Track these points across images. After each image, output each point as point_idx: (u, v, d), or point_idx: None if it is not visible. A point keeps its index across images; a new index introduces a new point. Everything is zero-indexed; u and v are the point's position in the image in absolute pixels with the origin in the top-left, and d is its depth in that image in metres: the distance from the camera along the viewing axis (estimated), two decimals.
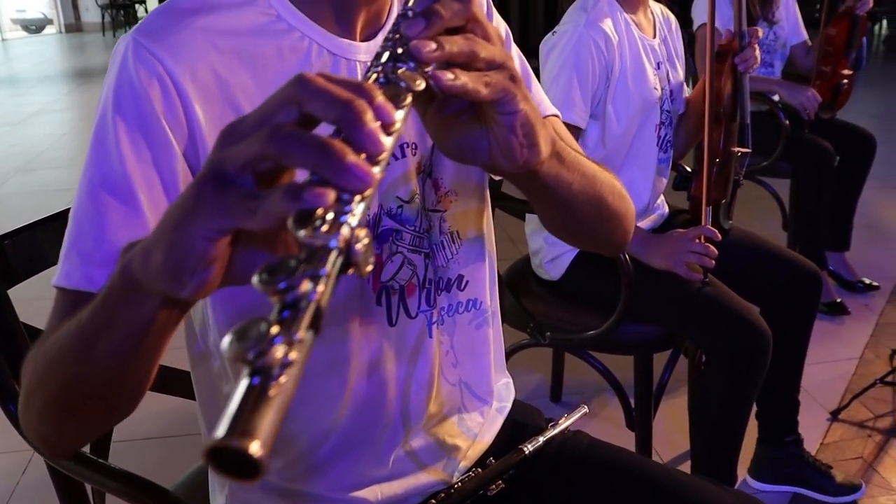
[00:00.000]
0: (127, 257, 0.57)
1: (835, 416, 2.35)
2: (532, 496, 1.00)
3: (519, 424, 1.07)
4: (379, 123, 0.49)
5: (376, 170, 0.47)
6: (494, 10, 0.98)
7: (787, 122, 2.71)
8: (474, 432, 1.01)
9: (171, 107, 0.75)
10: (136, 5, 14.00)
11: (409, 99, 0.55)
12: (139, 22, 0.80)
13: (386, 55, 0.58)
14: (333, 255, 0.44)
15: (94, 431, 0.75)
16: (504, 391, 1.08)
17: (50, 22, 14.34)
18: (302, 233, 0.44)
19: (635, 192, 1.80)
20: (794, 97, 2.82)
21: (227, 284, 0.54)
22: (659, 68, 1.81)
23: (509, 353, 1.81)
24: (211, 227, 0.49)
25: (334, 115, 0.48)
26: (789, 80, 3.00)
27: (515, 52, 1.00)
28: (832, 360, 2.64)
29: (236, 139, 0.49)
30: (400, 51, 0.58)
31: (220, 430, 0.37)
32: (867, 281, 3.16)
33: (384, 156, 0.49)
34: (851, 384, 2.51)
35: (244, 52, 0.79)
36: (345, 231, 0.45)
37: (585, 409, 1.10)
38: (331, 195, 0.45)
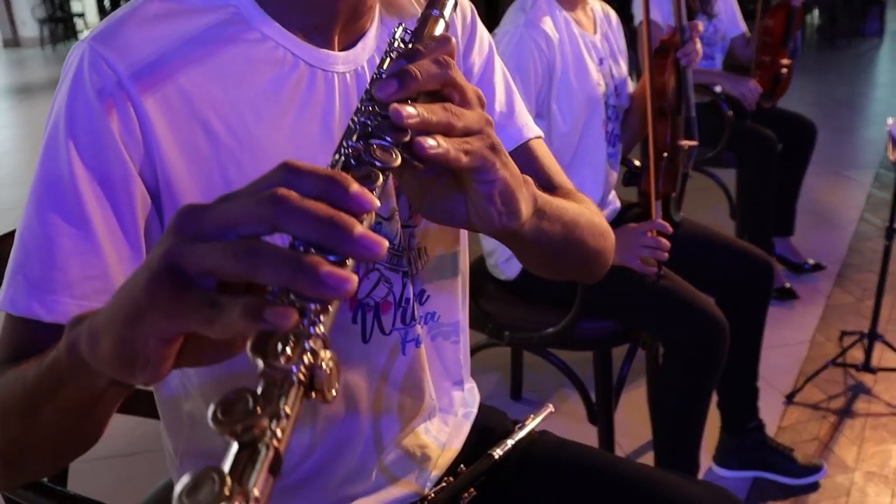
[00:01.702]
0: (72, 335, 0.54)
1: (790, 399, 2.40)
2: (505, 500, 1.00)
3: (486, 429, 1.07)
4: (366, 227, 0.46)
5: (353, 276, 0.44)
6: (478, 21, 0.97)
7: (730, 112, 2.76)
8: (442, 441, 1.00)
9: (126, 124, 0.71)
10: (76, 18, 13.72)
11: (381, 179, 0.52)
12: (96, 27, 0.74)
13: (356, 132, 0.56)
14: (294, 389, 0.41)
15: (44, 473, 0.72)
16: (469, 397, 1.08)
17: None
18: (260, 363, 0.42)
19: (587, 189, 1.82)
20: (736, 88, 2.88)
21: (181, 367, 0.51)
22: (602, 64, 1.82)
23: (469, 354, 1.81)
24: (164, 330, 0.47)
25: (317, 238, 0.45)
26: (730, 71, 3.06)
27: (500, 66, 0.98)
28: (784, 345, 2.70)
29: (195, 234, 0.46)
30: (375, 123, 0.56)
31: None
32: (813, 262, 3.23)
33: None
34: (804, 367, 2.57)
35: (213, 64, 0.75)
36: (307, 358, 0.42)
37: (551, 409, 1.10)
38: (294, 315, 0.43)
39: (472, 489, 0.98)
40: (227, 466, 0.39)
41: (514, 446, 1.02)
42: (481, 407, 1.10)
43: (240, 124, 0.76)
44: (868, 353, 2.44)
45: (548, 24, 1.72)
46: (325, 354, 0.44)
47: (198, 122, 0.74)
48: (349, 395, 0.89)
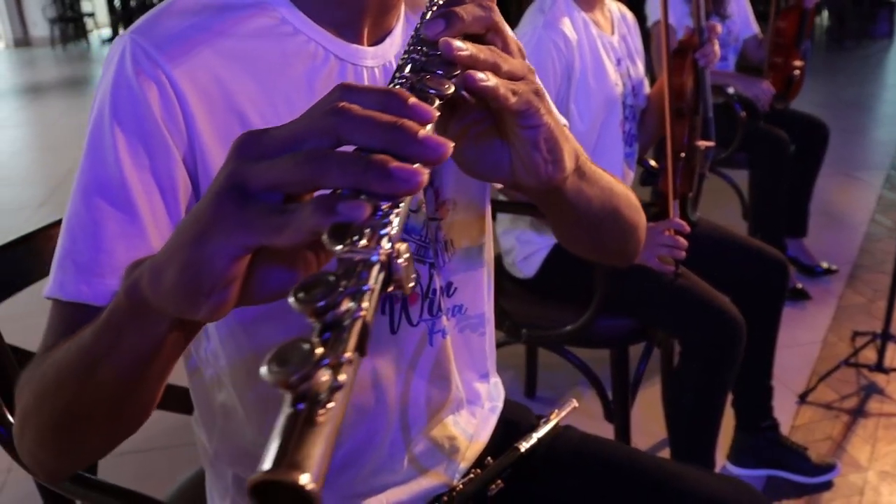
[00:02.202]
0: (133, 276, 0.54)
1: (803, 398, 2.41)
2: (530, 493, 1.02)
3: (511, 423, 1.08)
4: (429, 128, 0.46)
5: (424, 169, 0.44)
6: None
7: (743, 113, 2.77)
8: (470, 433, 1.02)
9: (170, 111, 0.72)
10: (86, 18, 13.77)
11: (436, 103, 0.52)
12: (135, 22, 0.76)
13: (409, 66, 0.56)
14: (375, 269, 0.41)
15: (94, 456, 0.70)
16: (494, 391, 1.10)
17: None
18: (339, 248, 0.41)
19: None
20: (749, 89, 2.89)
21: (241, 304, 0.51)
22: (619, 64, 1.84)
23: None
24: (233, 244, 0.46)
25: (381, 143, 0.45)
26: (743, 72, 3.07)
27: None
28: (797, 345, 2.71)
29: (257, 155, 0.46)
30: (424, 59, 0.56)
31: (267, 463, 0.34)
32: (826, 265, 3.24)
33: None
34: (817, 367, 2.58)
35: (248, 57, 0.76)
36: (385, 244, 0.42)
37: (575, 404, 1.12)
38: (367, 207, 0.42)
39: (499, 481, 0.99)
40: (314, 337, 0.38)
41: (539, 440, 1.04)
42: (506, 402, 1.12)
43: (273, 115, 0.77)
44: (881, 353, 2.45)
45: (566, 25, 1.73)
46: (401, 247, 0.43)
47: (234, 113, 0.75)
48: (378, 386, 0.91)
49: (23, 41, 13.63)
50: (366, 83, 0.82)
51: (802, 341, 2.74)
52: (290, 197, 0.46)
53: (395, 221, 0.43)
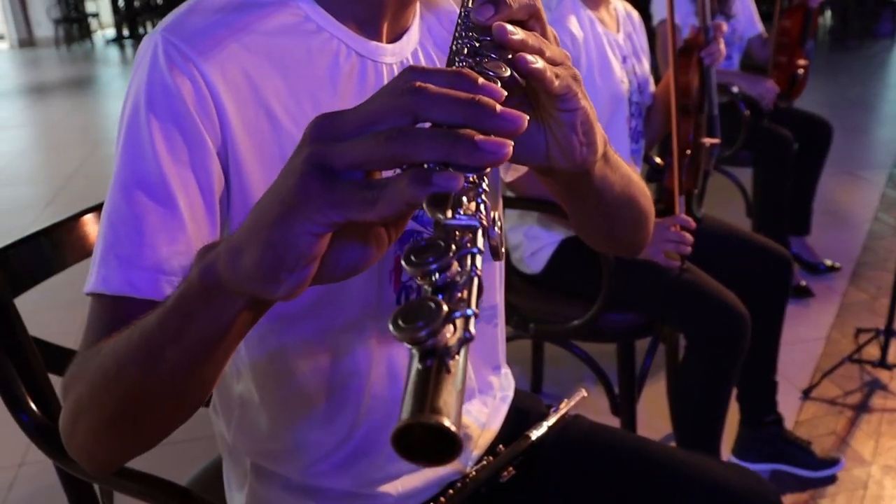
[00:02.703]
0: (207, 259, 0.55)
1: (807, 394, 2.43)
2: (541, 480, 1.04)
3: (522, 412, 1.11)
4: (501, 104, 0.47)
5: (509, 141, 0.45)
6: None
7: (748, 112, 2.79)
8: (482, 421, 1.04)
9: (203, 105, 0.74)
10: (90, 18, 13.81)
11: (499, 84, 0.53)
12: (164, 20, 0.78)
13: (466, 49, 0.58)
14: (479, 233, 0.43)
15: (147, 446, 0.71)
16: (505, 381, 1.12)
17: (1, 38, 14.09)
18: (441, 216, 0.43)
19: None
20: (754, 88, 2.91)
21: (315, 283, 0.52)
22: (625, 62, 1.86)
23: None
24: (320, 222, 0.47)
25: (462, 118, 0.46)
26: (747, 71, 3.09)
27: None
28: (801, 342, 2.73)
29: (334, 136, 0.47)
30: (477, 44, 0.58)
31: (406, 412, 0.36)
32: (829, 263, 3.26)
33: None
34: (820, 363, 2.60)
35: (274, 53, 0.79)
36: (483, 210, 0.44)
37: (584, 393, 1.14)
38: (461, 177, 0.44)
39: (510, 468, 1.01)
40: (428, 289, 0.41)
41: (549, 428, 1.06)
42: (516, 391, 1.14)
43: (298, 110, 0.80)
44: (884, 349, 2.47)
45: (573, 23, 1.75)
46: (496, 215, 0.45)
47: (261, 107, 0.78)
48: (393, 375, 0.93)
49: (27, 41, 13.67)
50: (385, 79, 0.85)
51: (806, 338, 2.76)
52: (369, 175, 0.48)
53: (486, 188, 0.46)
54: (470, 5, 0.64)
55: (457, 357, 0.39)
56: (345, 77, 0.82)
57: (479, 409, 1.05)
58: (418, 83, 0.47)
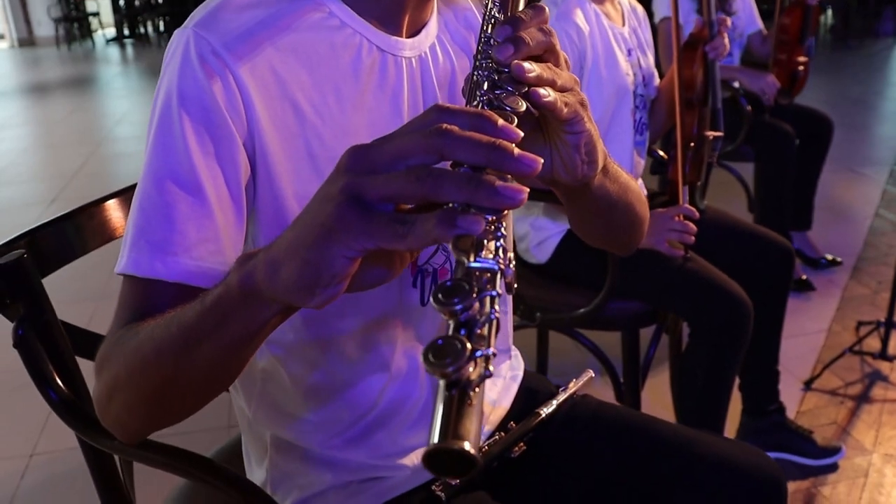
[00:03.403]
0: (247, 268, 0.60)
1: (808, 385, 2.46)
2: (551, 455, 1.07)
3: (531, 391, 1.14)
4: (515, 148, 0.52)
5: (525, 188, 0.51)
6: None
7: (749, 107, 2.82)
8: (493, 398, 1.08)
9: (232, 102, 0.78)
10: (91, 17, 13.83)
11: (516, 122, 0.58)
12: (193, 15, 0.81)
13: (486, 83, 0.64)
14: (499, 276, 0.49)
15: (177, 419, 0.76)
16: (515, 362, 1.16)
17: (1, 37, 14.12)
18: (467, 260, 0.49)
19: None
20: (755, 83, 2.94)
21: (349, 291, 0.58)
22: (630, 55, 1.89)
23: None
24: (355, 248, 0.52)
25: (483, 161, 0.51)
26: (748, 67, 3.12)
27: None
28: (802, 334, 2.76)
29: (368, 169, 0.52)
30: (496, 76, 0.63)
31: (435, 437, 0.43)
32: (830, 257, 3.29)
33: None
34: (822, 355, 2.63)
35: (300, 48, 0.82)
36: (501, 254, 0.50)
37: (591, 374, 1.17)
38: (482, 221, 0.49)
39: (521, 444, 1.04)
40: (457, 334, 0.46)
41: (558, 406, 1.09)
42: (526, 372, 1.17)
43: (323, 103, 0.83)
44: (884, 341, 2.50)
45: (579, 17, 1.78)
46: (510, 255, 0.51)
47: (288, 101, 0.81)
48: (409, 355, 0.96)
49: (28, 41, 13.70)
50: (404, 72, 0.89)
51: (808, 331, 2.79)
52: (398, 206, 0.53)
53: (504, 231, 0.52)
54: (489, 31, 0.68)
55: (477, 389, 0.45)
56: (366, 70, 0.86)
57: (491, 387, 1.08)
58: (445, 126, 0.52)
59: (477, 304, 0.47)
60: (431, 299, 0.48)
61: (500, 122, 0.53)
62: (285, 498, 1.00)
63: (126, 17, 13.40)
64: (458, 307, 0.47)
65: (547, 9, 0.69)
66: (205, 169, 0.77)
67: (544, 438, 1.07)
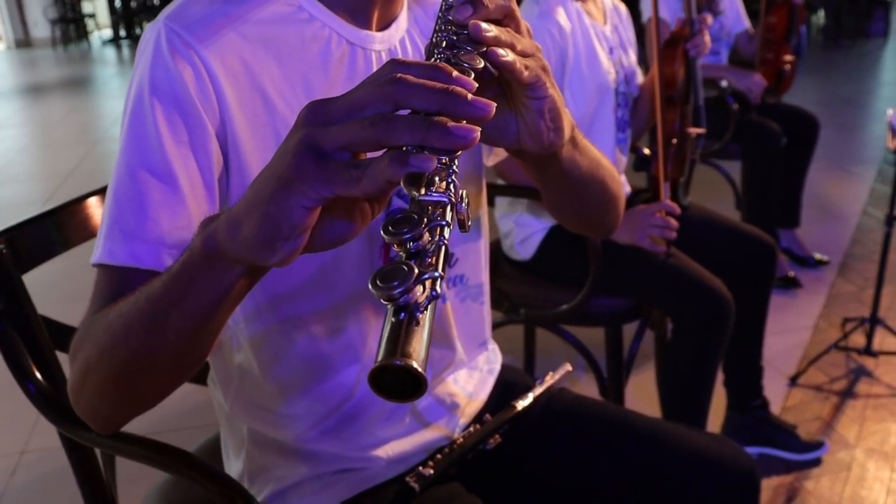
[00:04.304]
0: (209, 229, 0.59)
1: (794, 381, 2.48)
2: (526, 448, 1.09)
3: (508, 384, 1.15)
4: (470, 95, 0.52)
5: (476, 127, 0.51)
6: None
7: (736, 105, 2.84)
8: (469, 391, 1.09)
9: (203, 89, 0.79)
10: (87, 19, 13.83)
11: (472, 76, 0.58)
12: (166, 9, 0.83)
13: (444, 42, 0.64)
14: (448, 208, 0.50)
15: (153, 402, 0.76)
16: (493, 355, 1.17)
17: None
18: (416, 193, 0.49)
19: None
20: (742, 82, 2.96)
21: (305, 252, 0.57)
22: (612, 53, 1.90)
23: None
24: (313, 196, 0.52)
25: (437, 106, 0.52)
26: (735, 66, 3.14)
27: None
28: (788, 331, 2.77)
29: (325, 121, 0.53)
30: (455, 38, 0.64)
31: (381, 355, 0.43)
32: (818, 256, 3.31)
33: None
34: (808, 351, 2.65)
35: (269, 41, 0.84)
36: (452, 189, 0.51)
37: (569, 367, 1.19)
38: (434, 160, 0.50)
39: (496, 436, 1.06)
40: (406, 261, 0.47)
41: (535, 399, 1.11)
42: (504, 366, 1.18)
43: (292, 94, 0.85)
44: (869, 337, 2.52)
45: (560, 15, 1.80)
46: (463, 192, 0.52)
47: (257, 92, 0.83)
48: None
49: (24, 42, 13.68)
50: (374, 65, 0.90)
51: (794, 327, 2.81)
52: (355, 155, 0.53)
53: (455, 169, 0.52)
54: (450, 0, 0.69)
55: (425, 312, 0.46)
56: (335, 63, 0.87)
57: (467, 379, 1.09)
58: (399, 74, 0.52)
59: (427, 235, 0.48)
60: (382, 231, 0.48)
61: (455, 73, 0.54)
62: (261, 490, 1.01)
63: (122, 18, 13.39)
64: (408, 236, 0.47)
65: None
66: (178, 157, 0.78)
67: (520, 431, 1.09)
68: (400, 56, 0.93)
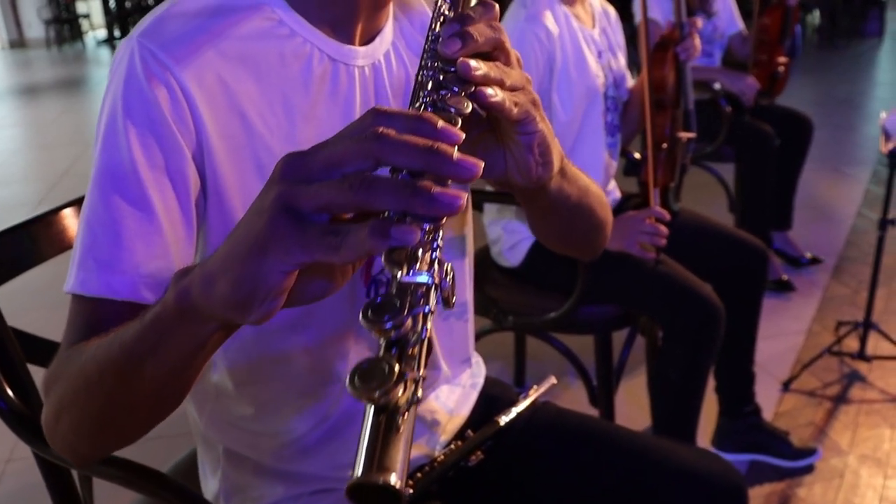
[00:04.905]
0: (182, 283, 0.57)
1: (786, 386, 2.46)
2: (509, 464, 1.06)
3: (492, 398, 1.13)
4: (456, 151, 0.49)
5: (463, 193, 0.48)
6: None
7: (729, 108, 2.82)
8: (451, 407, 1.06)
9: (179, 111, 0.76)
10: (81, 19, 13.79)
11: (459, 123, 0.56)
12: (139, 24, 0.79)
13: (430, 83, 0.61)
14: (432, 291, 0.47)
15: (129, 441, 0.73)
16: (477, 369, 1.15)
17: None
18: (399, 273, 0.47)
19: (588, 176, 1.88)
20: (735, 84, 2.94)
21: (285, 307, 0.55)
22: (600, 57, 1.88)
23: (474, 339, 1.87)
24: (289, 262, 0.50)
25: (420, 165, 0.49)
26: (728, 68, 3.12)
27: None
28: (781, 334, 2.76)
29: (302, 178, 0.50)
30: (442, 77, 0.61)
31: (359, 468, 0.42)
32: (811, 255, 3.29)
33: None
34: (801, 355, 2.63)
35: (248, 58, 0.80)
36: (436, 266, 0.48)
37: (553, 380, 1.16)
38: (417, 232, 0.47)
39: (478, 453, 1.03)
40: (381, 352, 0.45)
41: (518, 414, 1.08)
42: (487, 378, 1.16)
43: (271, 114, 0.82)
44: (863, 341, 2.50)
45: (548, 19, 1.78)
46: (448, 266, 0.49)
47: (235, 111, 0.80)
48: None
49: (18, 42, 13.65)
50: (356, 82, 0.87)
51: (787, 331, 2.79)
52: (336, 217, 0.51)
53: (440, 240, 0.50)
54: (437, 29, 0.67)
55: (406, 415, 0.44)
56: (317, 80, 0.84)
57: (448, 395, 1.07)
58: (381, 129, 0.49)
59: (409, 321, 0.46)
60: (360, 317, 0.46)
61: (441, 123, 0.51)
62: None
63: (117, 18, 13.34)
64: (388, 325, 0.45)
65: (497, 6, 0.68)
66: (153, 182, 0.75)
67: (503, 447, 1.07)
68: (384, 71, 0.90)
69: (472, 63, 0.61)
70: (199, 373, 0.66)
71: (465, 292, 1.06)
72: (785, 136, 3.06)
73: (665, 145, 1.91)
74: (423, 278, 0.47)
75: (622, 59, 1.98)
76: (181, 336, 0.60)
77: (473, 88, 0.61)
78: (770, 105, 3.15)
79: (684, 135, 1.98)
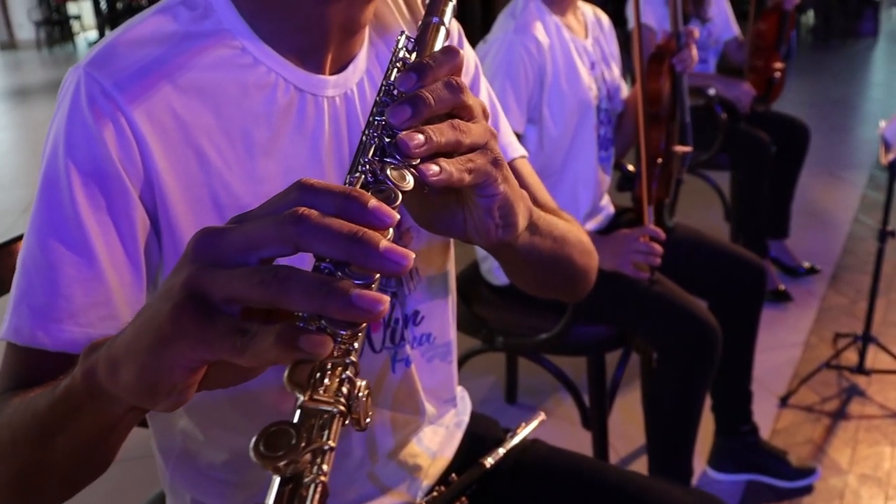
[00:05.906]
0: (89, 362, 0.53)
1: (784, 401, 2.41)
2: None
3: (477, 437, 1.07)
4: (389, 240, 0.45)
5: (385, 297, 0.43)
6: (465, 40, 0.96)
7: (725, 115, 2.77)
8: (433, 450, 1.01)
9: (126, 150, 0.70)
10: (72, 21, 13.71)
11: (399, 199, 0.52)
12: (90, 52, 0.74)
13: (371, 150, 0.55)
14: (336, 422, 0.42)
15: (59, 502, 0.69)
16: (461, 406, 1.09)
17: None
18: (300, 397, 0.42)
19: (579, 191, 1.83)
20: (730, 91, 2.89)
21: (203, 390, 0.51)
22: (593, 69, 1.83)
23: (463, 360, 1.81)
24: (192, 358, 0.46)
25: (342, 255, 0.44)
26: (724, 74, 3.07)
27: (484, 86, 0.98)
28: (779, 347, 2.71)
29: (214, 260, 0.46)
30: (387, 140, 0.55)
31: None
32: (808, 265, 3.24)
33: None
34: (799, 369, 2.58)
35: (206, 89, 0.74)
36: (346, 389, 0.42)
37: (543, 417, 1.11)
38: (330, 344, 0.42)
39: (463, 498, 0.98)
40: (270, 501, 0.39)
41: (505, 455, 1.03)
42: (473, 415, 1.10)
43: (230, 149, 0.76)
44: (862, 355, 2.45)
45: (538, 30, 1.72)
46: (360, 384, 0.44)
47: (191, 148, 0.74)
48: None
49: (8, 44, 13.57)
50: (325, 113, 0.81)
51: (784, 343, 2.74)
52: (250, 309, 0.46)
53: (355, 354, 0.44)
54: (392, 77, 0.60)
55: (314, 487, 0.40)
56: (281, 112, 0.78)
57: (432, 437, 1.01)
58: (302, 210, 0.44)
59: (308, 456, 0.40)
60: (251, 448, 0.40)
61: (372, 203, 0.46)
62: None
63: (108, 20, 13.24)
64: (283, 463, 0.40)
65: (462, 52, 0.61)
66: (94, 225, 0.70)
67: (489, 490, 1.01)
68: (357, 101, 0.84)
69: (416, 140, 0.54)
70: (117, 447, 0.62)
71: (449, 332, 1.00)
72: (781, 143, 3.01)
73: (660, 160, 1.85)
74: (327, 407, 0.41)
75: (616, 70, 1.92)
76: (91, 414, 0.56)
77: (418, 161, 0.55)
78: (766, 111, 3.10)
79: (680, 149, 1.92)
